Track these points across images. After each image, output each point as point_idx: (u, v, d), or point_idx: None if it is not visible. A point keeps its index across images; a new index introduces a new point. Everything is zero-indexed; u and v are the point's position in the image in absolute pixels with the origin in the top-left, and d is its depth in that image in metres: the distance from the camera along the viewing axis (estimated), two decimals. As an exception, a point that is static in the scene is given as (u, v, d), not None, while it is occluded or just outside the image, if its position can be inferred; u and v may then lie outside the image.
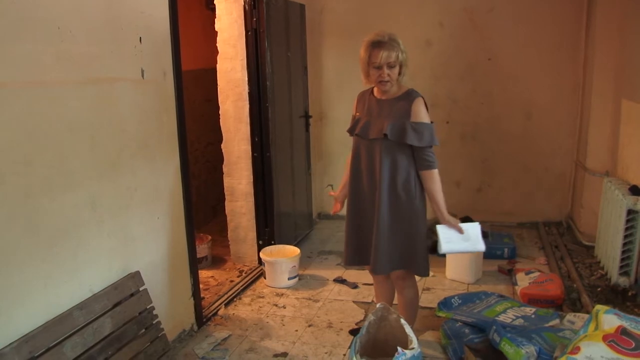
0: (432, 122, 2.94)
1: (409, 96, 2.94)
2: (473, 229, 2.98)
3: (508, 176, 5.70)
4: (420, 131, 2.86)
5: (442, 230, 2.95)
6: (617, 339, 2.39)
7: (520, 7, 5.36)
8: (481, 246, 2.98)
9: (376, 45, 2.85)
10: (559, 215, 5.65)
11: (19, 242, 2.29)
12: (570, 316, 3.27)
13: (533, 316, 3.36)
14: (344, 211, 3.27)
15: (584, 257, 4.65)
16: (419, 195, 2.96)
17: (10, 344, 2.21)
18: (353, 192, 3.13)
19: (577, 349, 2.40)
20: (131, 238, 3.03)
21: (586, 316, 2.89)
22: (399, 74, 2.90)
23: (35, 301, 2.37)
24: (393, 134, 2.88)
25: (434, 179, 2.92)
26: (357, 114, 3.12)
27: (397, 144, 2.90)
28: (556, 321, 3.26)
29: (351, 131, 3.11)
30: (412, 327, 3.03)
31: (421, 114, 2.90)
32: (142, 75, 3.05)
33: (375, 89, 3.05)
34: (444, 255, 4.22)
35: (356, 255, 3.16)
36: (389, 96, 2.98)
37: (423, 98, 2.96)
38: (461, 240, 2.94)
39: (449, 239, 2.93)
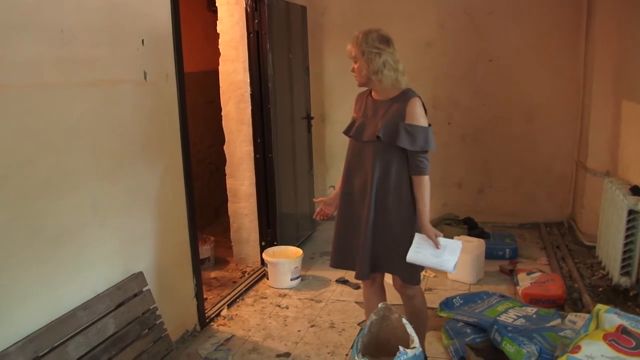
0: (429, 125, 2.78)
1: (405, 96, 2.80)
2: (451, 246, 2.76)
3: (509, 177, 5.71)
4: (413, 134, 2.71)
5: (417, 238, 2.76)
6: (617, 338, 2.40)
7: (520, 9, 5.38)
8: (449, 266, 2.72)
9: None
10: (560, 215, 5.66)
11: (21, 243, 2.31)
12: (571, 316, 3.28)
13: (534, 316, 3.37)
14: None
15: (585, 257, 4.66)
16: (411, 200, 2.83)
17: (15, 343, 2.23)
18: (344, 195, 3.01)
19: (577, 348, 2.41)
20: (134, 239, 3.05)
21: (587, 316, 2.90)
22: (365, 70, 2.77)
23: (39, 301, 2.39)
24: (385, 135, 2.75)
25: (422, 185, 2.77)
26: (354, 115, 3.02)
27: (390, 146, 2.77)
28: (557, 321, 3.27)
29: (346, 132, 3.01)
30: (423, 338, 3.05)
31: (416, 115, 2.74)
32: (145, 77, 3.07)
33: (372, 90, 2.93)
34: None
35: (343, 259, 3.04)
36: (385, 97, 2.85)
37: (420, 98, 2.80)
38: (431, 255, 2.72)
39: (420, 249, 2.73)
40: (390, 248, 2.87)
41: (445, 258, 2.72)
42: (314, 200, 3.29)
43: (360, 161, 2.91)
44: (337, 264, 3.08)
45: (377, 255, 2.89)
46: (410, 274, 2.89)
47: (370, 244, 2.86)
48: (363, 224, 2.87)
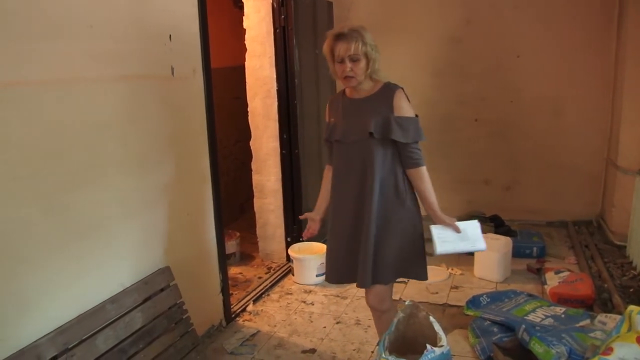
0: (417, 116, 2.69)
1: (388, 90, 2.68)
2: (471, 227, 2.69)
3: (537, 174, 5.63)
4: (405, 126, 2.62)
5: (436, 230, 2.66)
6: (650, 340, 2.36)
7: (548, 3, 5.29)
8: (481, 245, 2.69)
9: (336, 37, 2.62)
10: (589, 214, 5.57)
11: (51, 236, 2.34)
12: (601, 317, 3.22)
13: (563, 316, 3.32)
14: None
15: (615, 257, 4.58)
16: (409, 195, 2.72)
17: (46, 335, 2.26)
18: (337, 203, 2.84)
19: (609, 350, 2.37)
20: (161, 234, 3.07)
21: (618, 317, 2.85)
22: (367, 69, 2.64)
23: (69, 294, 2.42)
24: (377, 130, 2.63)
25: (423, 177, 2.67)
26: (332, 119, 2.85)
27: (383, 141, 2.65)
28: (587, 321, 3.22)
29: (330, 138, 2.84)
30: None
31: (404, 107, 2.65)
32: (172, 73, 3.09)
33: (347, 90, 2.79)
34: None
35: (343, 273, 2.83)
36: (365, 94, 2.72)
37: (403, 89, 2.69)
38: (458, 240, 2.65)
39: (444, 238, 2.64)
40: (402, 249, 2.73)
41: (472, 239, 2.66)
42: (299, 217, 3.07)
43: (350, 163, 2.75)
44: (334, 279, 2.90)
45: (394, 258, 2.73)
46: (424, 271, 2.79)
47: (385, 246, 2.69)
48: (369, 227, 2.68)
